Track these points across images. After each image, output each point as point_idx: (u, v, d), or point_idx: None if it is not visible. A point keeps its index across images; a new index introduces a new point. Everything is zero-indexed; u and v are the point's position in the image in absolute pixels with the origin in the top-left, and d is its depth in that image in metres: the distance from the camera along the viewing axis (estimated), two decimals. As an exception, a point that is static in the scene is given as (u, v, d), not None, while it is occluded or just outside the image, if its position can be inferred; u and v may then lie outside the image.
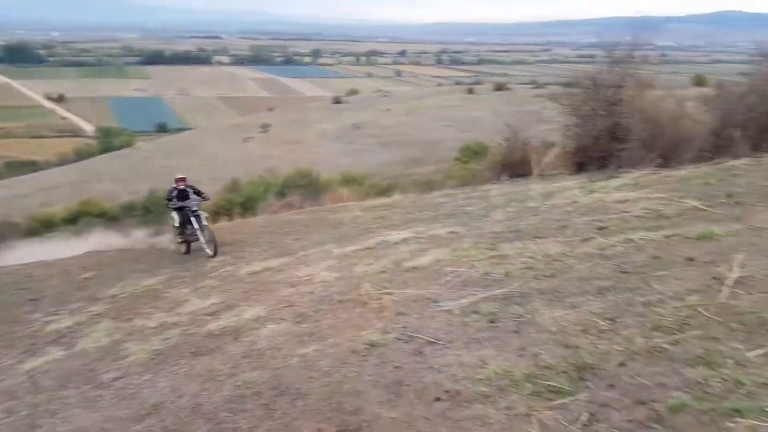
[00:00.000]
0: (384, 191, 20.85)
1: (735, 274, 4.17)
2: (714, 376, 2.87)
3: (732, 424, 2.48)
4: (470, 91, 65.13)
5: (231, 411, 3.60)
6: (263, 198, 21.23)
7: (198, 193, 10.37)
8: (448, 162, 32.38)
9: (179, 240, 10.39)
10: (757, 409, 2.54)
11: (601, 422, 2.75)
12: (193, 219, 9.93)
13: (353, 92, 74.52)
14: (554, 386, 3.12)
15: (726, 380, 2.82)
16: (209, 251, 9.68)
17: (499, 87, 65.90)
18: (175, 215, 10.26)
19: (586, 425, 2.75)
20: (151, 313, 6.37)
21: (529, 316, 4.19)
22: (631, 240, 5.72)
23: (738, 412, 2.54)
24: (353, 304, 5.28)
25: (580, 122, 13.06)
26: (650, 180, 9.04)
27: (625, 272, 4.86)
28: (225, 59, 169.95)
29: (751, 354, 3.02)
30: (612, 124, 12.20)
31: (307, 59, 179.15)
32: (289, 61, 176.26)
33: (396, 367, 3.75)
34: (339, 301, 5.49)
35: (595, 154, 12.29)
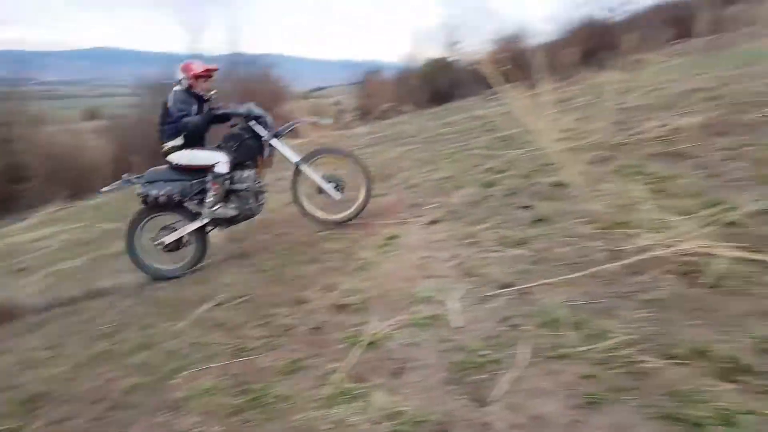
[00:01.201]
0: None
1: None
2: (154, 355, 3.38)
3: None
4: None
5: None
6: None
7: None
8: None
9: (227, 214, 4.96)
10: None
11: (67, 428, 2.78)
12: (276, 145, 4.98)
13: None
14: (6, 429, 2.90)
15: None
16: (346, 211, 4.94)
17: None
18: (214, 155, 4.83)
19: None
20: None
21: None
22: (56, 271, 5.68)
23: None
24: None
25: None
26: (65, 213, 9.02)
27: (63, 305, 4.86)
28: None
29: (176, 326, 3.70)
30: (8, 165, 11.39)
31: None
32: None
33: None
34: None
35: (-5, 198, 11.18)
